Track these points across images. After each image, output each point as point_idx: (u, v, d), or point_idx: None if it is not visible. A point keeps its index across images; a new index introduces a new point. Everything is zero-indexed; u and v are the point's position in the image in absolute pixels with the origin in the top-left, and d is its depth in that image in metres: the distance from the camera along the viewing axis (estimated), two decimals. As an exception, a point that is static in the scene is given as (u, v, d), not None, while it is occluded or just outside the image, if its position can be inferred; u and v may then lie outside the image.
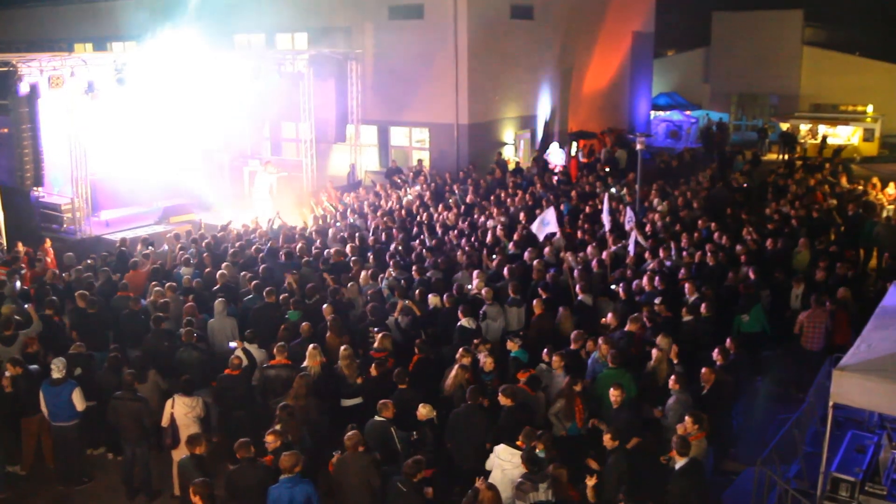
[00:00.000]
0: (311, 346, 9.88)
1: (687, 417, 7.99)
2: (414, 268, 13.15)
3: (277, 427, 8.15)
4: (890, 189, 19.32)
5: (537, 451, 7.55)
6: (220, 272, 13.19)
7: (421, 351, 9.96)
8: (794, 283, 12.61)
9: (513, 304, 11.78)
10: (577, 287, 12.03)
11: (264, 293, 11.88)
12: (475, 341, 10.15)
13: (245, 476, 7.58)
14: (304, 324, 10.72)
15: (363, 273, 13.16)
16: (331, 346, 10.34)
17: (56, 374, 9.30)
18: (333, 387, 9.62)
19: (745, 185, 21.39)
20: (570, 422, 8.87)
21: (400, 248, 14.94)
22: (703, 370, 9.14)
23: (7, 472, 9.81)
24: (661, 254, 13.79)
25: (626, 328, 10.52)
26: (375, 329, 10.65)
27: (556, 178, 22.77)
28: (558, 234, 14.82)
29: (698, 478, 7.50)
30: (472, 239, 15.61)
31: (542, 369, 9.60)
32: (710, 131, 33.86)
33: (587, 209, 17.57)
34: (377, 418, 8.36)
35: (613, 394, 8.63)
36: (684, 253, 13.79)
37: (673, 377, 8.94)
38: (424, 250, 14.46)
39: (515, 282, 12.29)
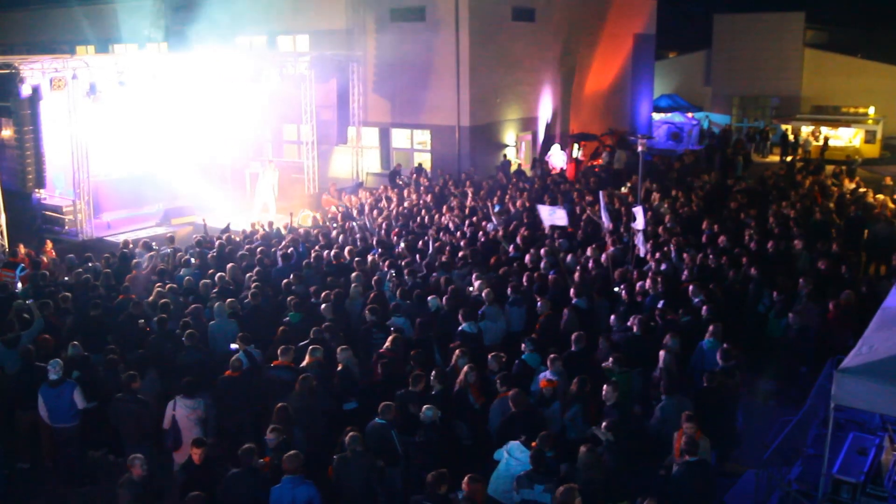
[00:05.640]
0: (312, 345, 9.91)
1: (683, 417, 8.03)
2: (405, 270, 13.15)
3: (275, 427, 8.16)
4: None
5: (545, 451, 7.57)
6: (218, 274, 13.21)
7: (417, 362, 9.82)
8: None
9: (513, 305, 11.77)
10: (572, 290, 12.04)
11: (250, 294, 11.95)
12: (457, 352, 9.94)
13: (239, 484, 7.52)
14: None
15: (365, 274, 13.17)
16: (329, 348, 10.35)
17: (53, 376, 9.31)
18: (332, 388, 9.60)
19: (743, 185, 21.43)
20: (587, 425, 8.74)
21: (403, 248, 14.96)
22: (705, 376, 9.14)
23: (16, 468, 9.86)
24: (658, 255, 13.77)
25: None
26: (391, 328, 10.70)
27: (554, 179, 22.80)
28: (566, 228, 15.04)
29: (706, 475, 7.56)
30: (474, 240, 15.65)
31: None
32: (713, 136, 33.90)
33: (588, 210, 17.57)
34: (378, 421, 8.35)
35: (606, 390, 8.77)
36: (685, 255, 13.77)
37: (662, 383, 8.95)
38: (434, 246, 14.54)
39: (516, 283, 12.30)
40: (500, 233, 15.90)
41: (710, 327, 10.31)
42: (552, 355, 9.52)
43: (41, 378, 9.48)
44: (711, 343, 10.11)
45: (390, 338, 10.25)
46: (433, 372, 9.25)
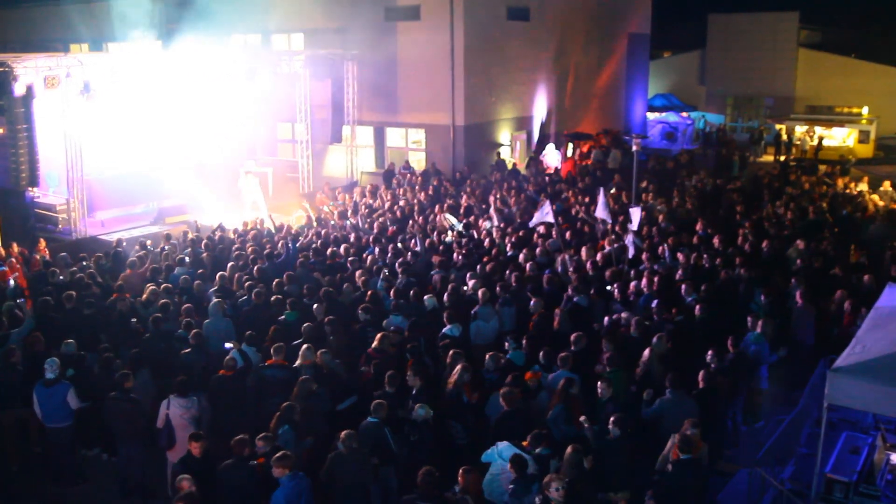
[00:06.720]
0: (304, 346, 9.89)
1: (688, 423, 7.99)
2: (398, 269, 13.13)
3: (269, 433, 8.15)
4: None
5: (537, 450, 7.57)
6: (219, 273, 13.14)
7: (413, 356, 9.86)
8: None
9: (505, 305, 11.76)
10: (570, 288, 12.02)
11: (254, 294, 11.89)
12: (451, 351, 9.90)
13: (232, 474, 7.57)
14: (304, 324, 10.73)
15: (358, 273, 13.14)
16: (330, 347, 10.33)
17: (49, 375, 9.28)
18: (327, 388, 9.58)
19: (738, 184, 21.49)
20: (569, 426, 8.68)
21: (399, 246, 14.96)
22: (701, 373, 9.15)
23: (10, 469, 9.82)
24: (651, 255, 13.80)
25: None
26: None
27: (548, 178, 22.81)
28: (553, 227, 15.02)
29: (698, 473, 7.59)
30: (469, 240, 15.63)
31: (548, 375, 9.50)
32: (710, 137, 33.98)
33: (581, 210, 17.59)
34: (370, 420, 8.34)
35: (601, 387, 8.86)
36: (679, 255, 13.78)
37: (668, 377, 8.96)
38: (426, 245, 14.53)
39: (506, 283, 12.30)
40: (497, 231, 15.91)
41: (759, 322, 10.46)
42: (562, 354, 9.50)
43: (28, 376, 9.44)
44: (756, 337, 10.32)
45: (378, 336, 10.21)
46: (409, 371, 9.23)
